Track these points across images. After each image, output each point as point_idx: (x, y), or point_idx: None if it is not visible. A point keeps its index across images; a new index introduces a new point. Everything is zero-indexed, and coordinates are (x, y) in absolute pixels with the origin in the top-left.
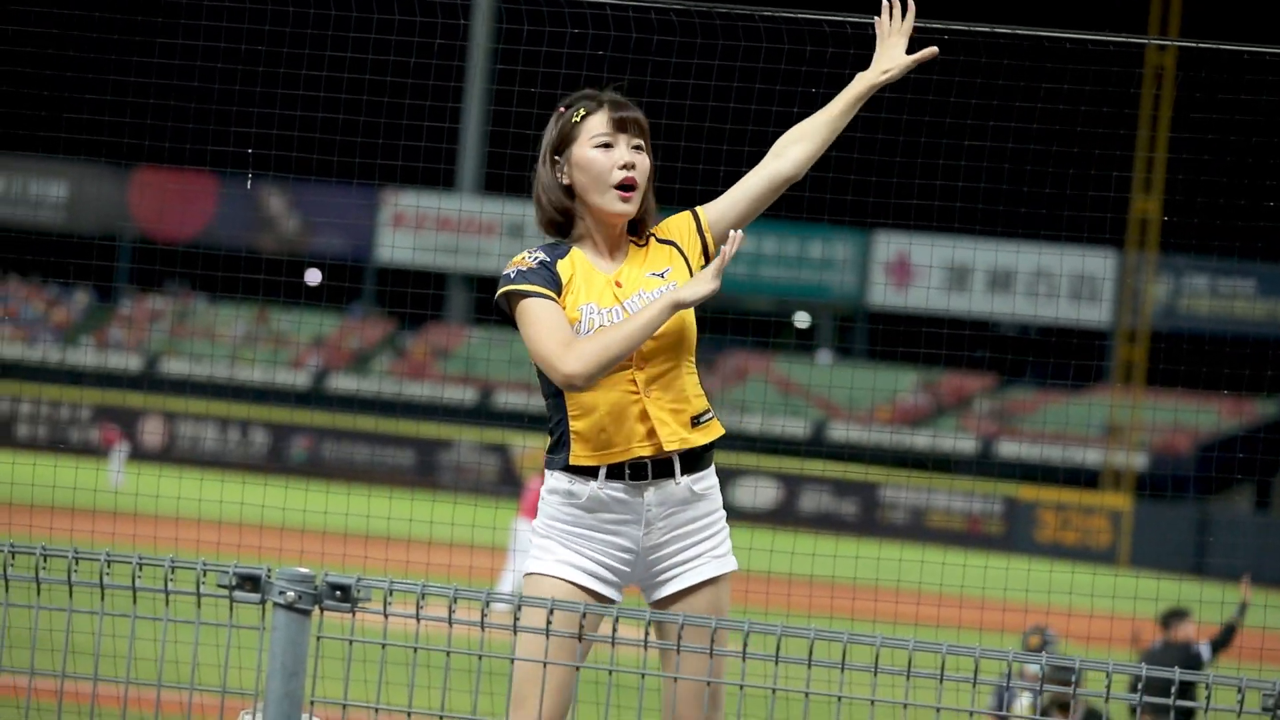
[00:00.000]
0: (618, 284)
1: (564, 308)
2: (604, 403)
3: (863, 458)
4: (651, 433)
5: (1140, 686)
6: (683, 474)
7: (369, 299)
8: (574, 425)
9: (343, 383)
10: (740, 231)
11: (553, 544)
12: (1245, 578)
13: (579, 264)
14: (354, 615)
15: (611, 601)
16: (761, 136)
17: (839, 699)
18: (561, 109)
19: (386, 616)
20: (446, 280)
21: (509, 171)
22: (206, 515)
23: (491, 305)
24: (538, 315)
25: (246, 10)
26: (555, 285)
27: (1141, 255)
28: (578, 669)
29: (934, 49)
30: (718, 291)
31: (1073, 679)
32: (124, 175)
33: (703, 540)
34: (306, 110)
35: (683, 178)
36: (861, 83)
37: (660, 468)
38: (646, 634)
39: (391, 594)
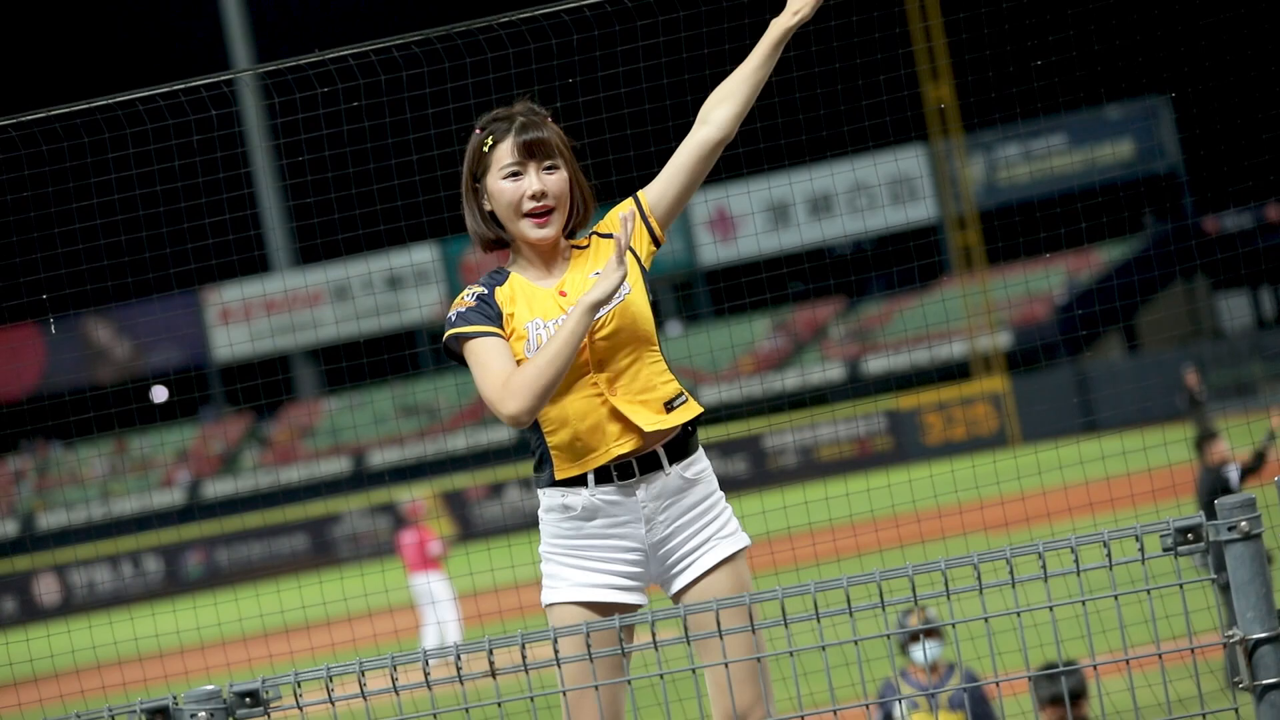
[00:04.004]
0: (562, 293)
1: (510, 335)
2: (573, 413)
3: (739, 413)
4: (627, 428)
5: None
6: (671, 463)
7: (219, 400)
8: (551, 441)
9: (218, 488)
10: (631, 215)
11: (562, 568)
12: (1275, 410)
13: (519, 287)
14: (268, 717)
15: (634, 608)
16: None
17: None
18: (477, 130)
19: (301, 709)
20: (289, 360)
21: (308, 243)
22: (105, 658)
23: (442, 351)
24: (479, 358)
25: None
26: (495, 318)
27: (948, 142)
28: (622, 682)
29: None
30: (623, 282)
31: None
32: None
33: (707, 524)
34: (91, 239)
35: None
36: (776, 28)
37: (646, 463)
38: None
39: (300, 685)
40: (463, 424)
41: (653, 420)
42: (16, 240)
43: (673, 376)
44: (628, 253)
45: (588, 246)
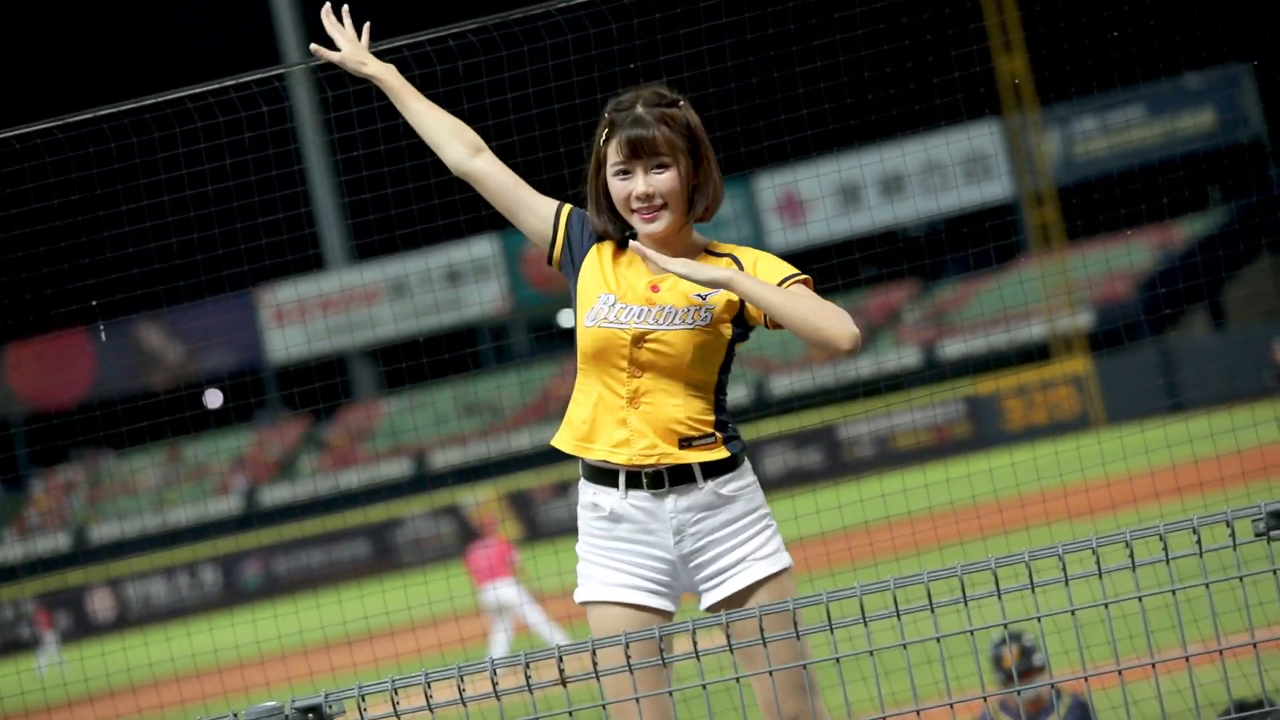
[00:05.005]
0: (653, 287)
1: (578, 276)
2: (597, 397)
3: (812, 403)
4: (626, 443)
5: None
6: (705, 479)
7: (275, 404)
8: (571, 406)
9: (275, 494)
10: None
11: (594, 566)
12: None
13: (625, 255)
14: None
15: (667, 614)
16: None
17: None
18: (606, 114)
19: None
20: (347, 360)
21: (364, 239)
22: (163, 675)
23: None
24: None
25: (48, 166)
26: (562, 235)
27: (1023, 116)
28: (664, 694)
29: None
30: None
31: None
32: None
33: (743, 544)
34: (141, 241)
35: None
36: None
37: (676, 474)
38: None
39: (364, 698)
40: (526, 422)
41: (656, 450)
42: (64, 245)
43: (714, 419)
44: (733, 299)
45: (719, 258)
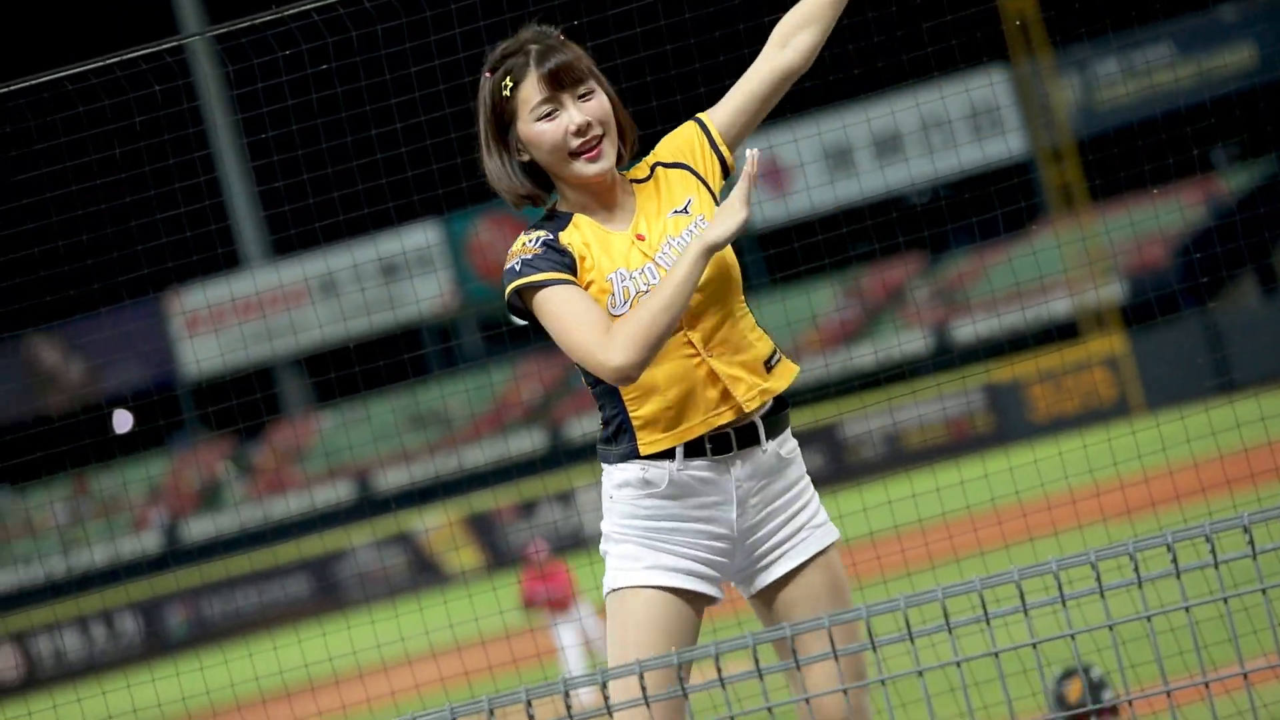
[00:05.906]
0: (639, 237)
1: (586, 286)
2: (664, 378)
3: (805, 399)
4: (726, 394)
5: None
6: (768, 439)
7: (193, 424)
8: (635, 411)
9: (198, 528)
10: (757, 151)
11: (636, 548)
12: None
13: (587, 229)
14: None
15: (711, 600)
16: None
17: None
18: (487, 74)
19: None
20: (272, 372)
21: (281, 234)
22: None
23: (504, 309)
24: (561, 307)
25: None
26: (569, 265)
27: (1033, 61)
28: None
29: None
30: (750, 221)
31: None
32: None
33: (799, 512)
34: (23, 246)
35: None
36: None
37: (743, 436)
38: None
39: None
40: (481, 434)
41: (756, 386)
42: None
43: (763, 332)
44: (701, 187)
45: (649, 178)
